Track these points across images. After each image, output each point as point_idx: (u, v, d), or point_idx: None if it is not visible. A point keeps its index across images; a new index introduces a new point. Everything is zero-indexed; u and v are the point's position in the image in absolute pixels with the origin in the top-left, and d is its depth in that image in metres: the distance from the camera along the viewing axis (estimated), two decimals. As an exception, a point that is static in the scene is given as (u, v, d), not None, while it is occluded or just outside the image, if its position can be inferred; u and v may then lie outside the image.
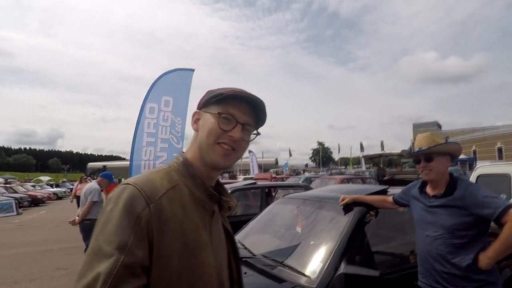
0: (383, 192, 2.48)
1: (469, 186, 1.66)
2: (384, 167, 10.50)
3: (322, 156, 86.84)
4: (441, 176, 1.74)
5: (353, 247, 2.03)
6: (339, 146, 60.59)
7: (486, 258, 1.54)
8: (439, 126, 78.32)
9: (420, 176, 1.86)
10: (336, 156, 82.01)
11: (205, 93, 0.87)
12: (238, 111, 0.81)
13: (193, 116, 0.87)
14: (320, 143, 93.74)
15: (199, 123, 0.84)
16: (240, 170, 42.75)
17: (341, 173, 19.31)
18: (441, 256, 1.65)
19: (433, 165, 1.73)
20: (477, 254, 1.58)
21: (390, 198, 2.14)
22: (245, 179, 14.63)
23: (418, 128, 75.17)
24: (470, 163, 25.13)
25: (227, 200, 0.89)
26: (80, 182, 10.28)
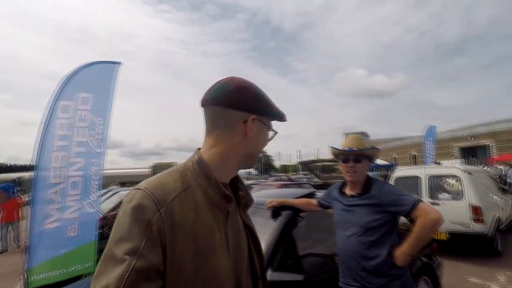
0: (311, 195, 2.50)
1: (383, 185, 1.73)
2: (319, 172, 11.09)
3: (264, 164, 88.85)
4: (362, 177, 1.80)
5: (279, 253, 1.97)
6: (279, 154, 62.70)
7: (402, 255, 1.59)
8: (367, 136, 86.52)
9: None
10: (277, 164, 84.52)
11: (250, 93, 0.83)
12: None
13: (249, 120, 0.81)
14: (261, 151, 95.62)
15: (251, 129, 0.82)
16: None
17: (280, 180, 19.84)
18: (358, 253, 1.67)
19: (360, 166, 1.77)
20: (390, 250, 1.64)
21: (314, 201, 2.15)
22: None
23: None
24: (392, 168, 28.82)
25: (244, 196, 0.90)
26: None
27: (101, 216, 5.20)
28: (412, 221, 1.64)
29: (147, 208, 0.66)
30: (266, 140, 0.88)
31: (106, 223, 5.09)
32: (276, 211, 2.17)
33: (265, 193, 2.94)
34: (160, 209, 0.67)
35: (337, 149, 1.84)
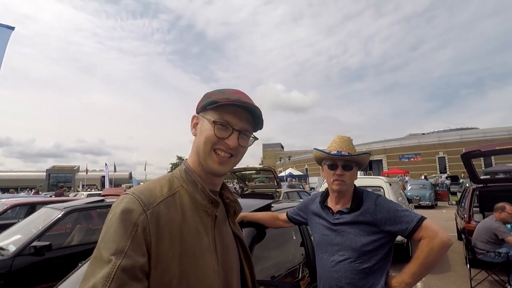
0: (268, 207, 2.09)
1: (378, 198, 1.42)
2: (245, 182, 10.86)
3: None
4: (350, 188, 1.47)
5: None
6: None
7: (403, 284, 1.28)
8: (282, 147, 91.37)
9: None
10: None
11: (202, 96, 0.87)
12: (234, 118, 0.81)
13: (192, 120, 0.87)
14: (180, 158, 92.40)
15: (197, 128, 0.85)
16: (84, 185, 36.10)
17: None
18: (351, 284, 1.32)
19: (349, 175, 1.44)
20: (386, 278, 1.34)
21: (282, 215, 1.74)
22: (89, 195, 12.21)
23: (266, 148, 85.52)
24: (304, 179, 31.97)
25: (233, 205, 0.92)
26: None
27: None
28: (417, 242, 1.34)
29: (133, 211, 0.68)
30: (207, 132, 0.81)
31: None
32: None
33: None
34: (146, 211, 0.68)
35: (324, 152, 1.47)
